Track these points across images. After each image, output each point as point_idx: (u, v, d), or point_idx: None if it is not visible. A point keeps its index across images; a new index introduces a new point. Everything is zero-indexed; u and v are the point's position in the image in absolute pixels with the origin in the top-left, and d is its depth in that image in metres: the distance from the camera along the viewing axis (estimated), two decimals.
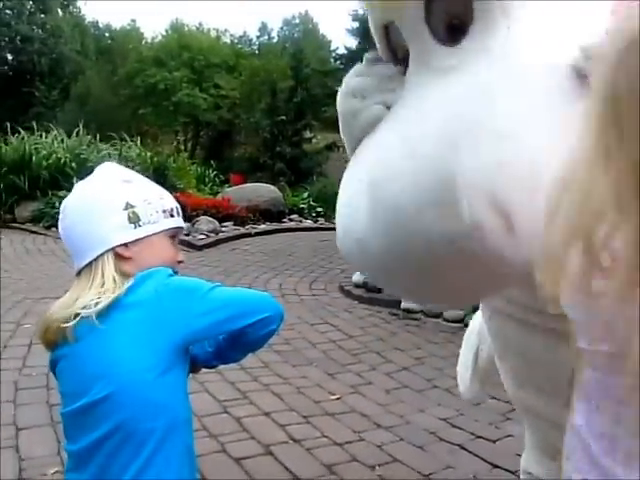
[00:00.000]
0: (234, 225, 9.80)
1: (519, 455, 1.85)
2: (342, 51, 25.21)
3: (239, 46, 32.78)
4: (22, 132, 11.68)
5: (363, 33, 18.36)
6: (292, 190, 13.63)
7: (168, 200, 1.37)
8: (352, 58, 15.90)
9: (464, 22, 1.07)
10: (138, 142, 12.91)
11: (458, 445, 3.10)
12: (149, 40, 32.04)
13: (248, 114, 24.78)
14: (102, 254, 1.27)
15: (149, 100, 26.48)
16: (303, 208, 11.77)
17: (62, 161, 10.76)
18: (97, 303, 1.21)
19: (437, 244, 0.98)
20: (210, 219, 9.40)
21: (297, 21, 35.31)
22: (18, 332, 4.56)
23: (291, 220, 10.99)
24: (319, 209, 11.72)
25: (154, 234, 1.31)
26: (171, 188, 9.68)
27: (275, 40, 34.31)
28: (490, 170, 0.92)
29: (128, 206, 1.29)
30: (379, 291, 5.63)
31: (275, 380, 3.93)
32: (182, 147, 17.47)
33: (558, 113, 0.93)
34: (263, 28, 35.36)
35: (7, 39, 25.19)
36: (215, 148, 24.71)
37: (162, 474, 1.23)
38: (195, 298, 1.25)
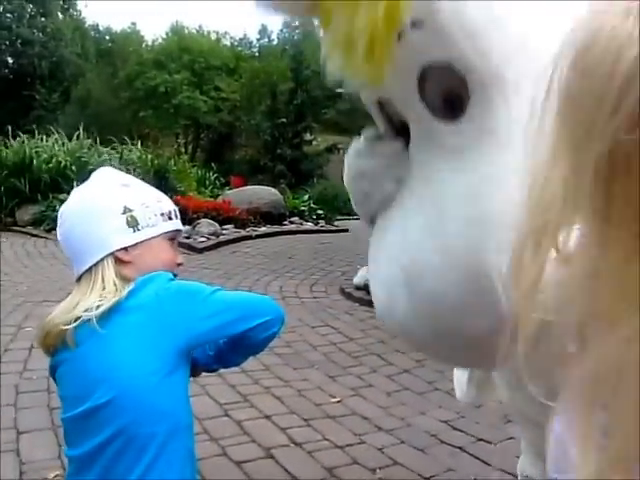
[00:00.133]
0: (235, 228, 9.80)
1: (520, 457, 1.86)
2: None
3: (239, 48, 32.84)
4: (23, 135, 11.70)
5: None
6: (293, 192, 13.64)
7: (166, 203, 1.38)
8: None
9: (460, 95, 1.04)
10: (139, 145, 12.93)
11: (459, 448, 3.10)
12: (149, 43, 32.13)
13: (248, 116, 24.85)
14: (102, 259, 1.27)
15: (149, 103, 26.53)
16: (304, 210, 11.76)
17: (63, 164, 10.78)
18: (99, 306, 1.21)
19: (481, 331, 0.99)
20: (211, 222, 9.40)
21: (297, 23, 35.40)
22: (19, 335, 4.56)
23: (292, 222, 10.98)
24: (320, 211, 11.73)
25: (153, 237, 1.31)
26: (172, 191, 9.72)
27: (275, 42, 34.35)
28: None
29: (126, 210, 1.29)
30: None
31: (276, 383, 3.93)
32: (183, 150, 17.51)
33: None
34: (263, 30, 35.39)
35: (8, 42, 25.26)
36: (216, 151, 24.74)
37: (164, 478, 1.23)
38: (197, 302, 1.25)
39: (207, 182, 13.39)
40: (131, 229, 1.29)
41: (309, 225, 11.04)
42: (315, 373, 4.14)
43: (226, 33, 33.81)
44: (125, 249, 1.28)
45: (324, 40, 1.10)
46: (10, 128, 11.75)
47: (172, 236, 1.38)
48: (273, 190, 11.66)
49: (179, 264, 1.39)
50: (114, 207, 1.29)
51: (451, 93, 1.05)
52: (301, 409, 3.53)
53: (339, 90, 1.27)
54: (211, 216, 9.67)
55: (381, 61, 1.02)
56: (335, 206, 11.72)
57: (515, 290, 0.55)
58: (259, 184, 13.28)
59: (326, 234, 10.13)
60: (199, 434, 2.96)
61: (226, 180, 14.26)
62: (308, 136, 22.43)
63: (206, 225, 9.25)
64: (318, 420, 3.40)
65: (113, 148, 12.22)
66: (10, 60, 25.57)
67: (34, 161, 10.76)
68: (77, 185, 1.44)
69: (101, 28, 33.07)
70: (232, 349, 1.41)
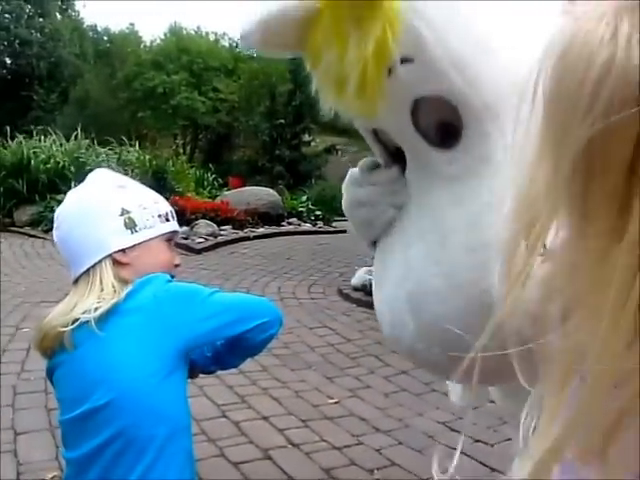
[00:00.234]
0: (233, 228, 9.79)
1: None
2: None
3: (238, 49, 32.78)
4: (20, 136, 11.68)
5: None
6: (291, 193, 13.62)
7: (163, 204, 1.38)
8: None
9: (454, 124, 1.05)
10: (137, 146, 12.91)
11: (456, 449, 3.09)
12: (148, 43, 32.07)
13: (247, 117, 24.81)
14: (100, 261, 1.27)
15: (148, 103, 26.47)
16: (302, 211, 11.74)
17: (61, 165, 10.76)
18: (97, 308, 1.22)
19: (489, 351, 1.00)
20: (209, 222, 9.40)
21: None
22: (17, 336, 4.55)
23: (290, 223, 10.97)
24: (318, 212, 11.71)
25: (151, 239, 1.32)
26: (170, 191, 9.72)
27: None
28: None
29: (124, 212, 1.29)
30: None
31: (274, 384, 3.93)
32: (181, 150, 17.42)
33: None
34: None
35: (6, 43, 25.21)
36: (214, 151, 24.71)
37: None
38: (195, 303, 1.25)
39: (205, 183, 13.37)
40: (129, 231, 1.29)
41: (307, 226, 11.04)
42: (313, 374, 4.14)
43: (224, 34, 33.71)
44: (123, 251, 1.28)
45: (314, 76, 1.10)
46: (8, 128, 11.74)
47: (169, 237, 1.38)
48: (271, 191, 11.65)
49: (177, 265, 1.40)
50: (112, 209, 1.29)
51: (445, 122, 1.06)
52: (299, 410, 3.53)
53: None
54: (209, 217, 9.67)
55: (373, 97, 1.03)
56: (333, 207, 11.68)
57: (506, 285, 0.56)
58: (257, 185, 13.26)
59: (324, 235, 10.13)
60: (197, 435, 2.95)
61: (224, 181, 14.23)
62: (306, 137, 22.41)
63: (204, 226, 9.24)
64: (316, 421, 3.40)
65: (111, 149, 12.21)
66: (8, 60, 25.52)
67: (32, 162, 10.73)
68: (75, 186, 1.44)
69: (99, 29, 33.02)
70: (230, 351, 1.41)
